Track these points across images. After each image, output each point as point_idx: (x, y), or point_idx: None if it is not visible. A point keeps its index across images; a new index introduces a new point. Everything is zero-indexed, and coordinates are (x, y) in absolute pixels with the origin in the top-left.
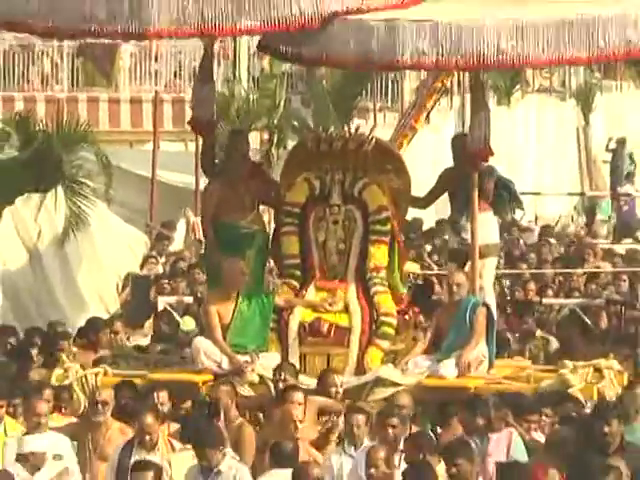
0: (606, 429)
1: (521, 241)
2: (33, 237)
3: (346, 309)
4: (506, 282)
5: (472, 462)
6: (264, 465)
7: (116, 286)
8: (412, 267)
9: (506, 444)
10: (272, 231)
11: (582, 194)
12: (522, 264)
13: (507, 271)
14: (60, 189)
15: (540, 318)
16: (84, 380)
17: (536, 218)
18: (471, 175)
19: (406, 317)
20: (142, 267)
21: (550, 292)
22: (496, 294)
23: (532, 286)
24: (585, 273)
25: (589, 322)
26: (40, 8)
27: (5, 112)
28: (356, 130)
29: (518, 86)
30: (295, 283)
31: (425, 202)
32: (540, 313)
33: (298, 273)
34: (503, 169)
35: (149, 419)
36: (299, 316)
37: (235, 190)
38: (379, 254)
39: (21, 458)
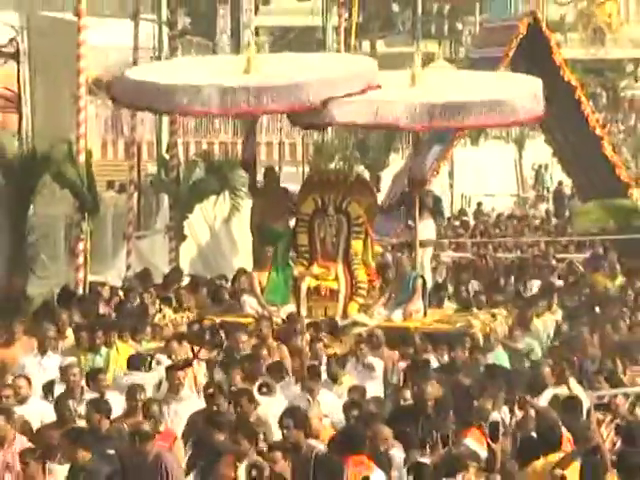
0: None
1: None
2: (212, 219)
3: (336, 279)
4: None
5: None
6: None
7: None
8: (377, 250)
9: None
10: (293, 230)
11: (518, 195)
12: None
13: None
14: (227, 193)
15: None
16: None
17: (493, 209)
18: (414, 196)
19: (374, 284)
20: None
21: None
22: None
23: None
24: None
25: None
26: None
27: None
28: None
29: (483, 135)
30: (305, 262)
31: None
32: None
33: (307, 256)
34: (474, 182)
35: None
36: (307, 282)
37: (271, 205)
38: (357, 245)
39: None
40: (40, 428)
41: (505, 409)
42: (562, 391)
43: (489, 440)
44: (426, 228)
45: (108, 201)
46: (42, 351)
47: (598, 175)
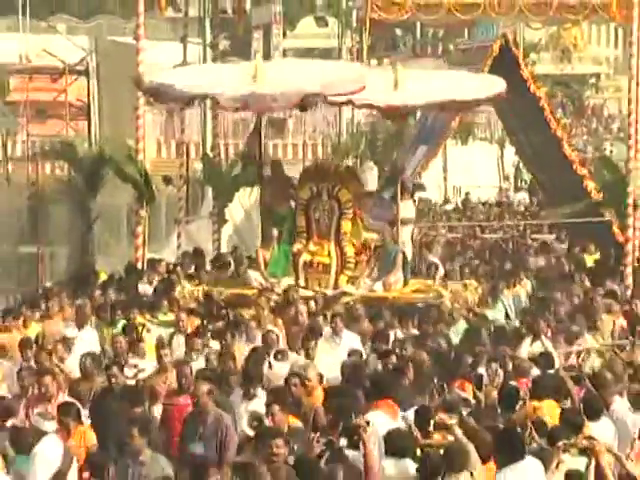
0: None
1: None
2: (247, 206)
3: (328, 254)
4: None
5: None
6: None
7: None
8: (370, 235)
9: None
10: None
11: (500, 187)
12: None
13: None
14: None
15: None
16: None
17: (479, 198)
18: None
19: (361, 258)
20: None
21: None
22: None
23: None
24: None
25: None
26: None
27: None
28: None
29: (471, 136)
30: (303, 240)
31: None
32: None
33: (305, 235)
34: (464, 176)
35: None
36: (304, 258)
37: (276, 192)
38: (346, 225)
39: None
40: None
41: (494, 365)
42: (536, 348)
43: (475, 390)
44: (406, 208)
45: (162, 192)
46: (79, 324)
47: (556, 170)
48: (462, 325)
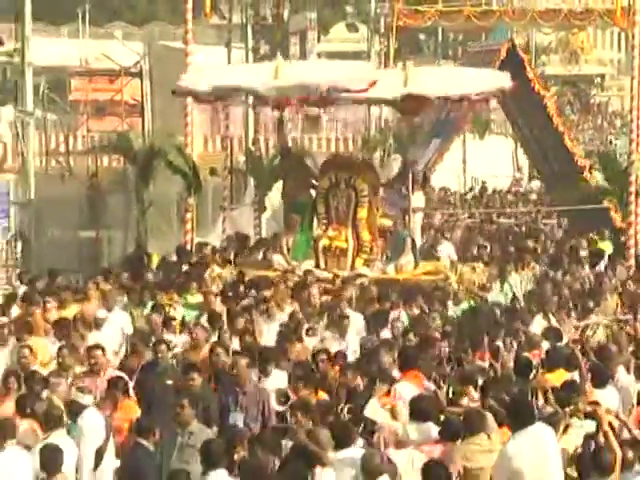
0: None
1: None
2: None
3: (345, 239)
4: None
5: None
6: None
7: None
8: (385, 221)
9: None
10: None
11: (514, 176)
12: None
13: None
14: None
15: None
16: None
17: (495, 187)
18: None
19: (374, 243)
20: None
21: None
22: None
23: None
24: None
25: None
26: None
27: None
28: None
29: (487, 131)
30: (323, 226)
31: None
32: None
33: (325, 221)
34: (481, 167)
35: None
36: (323, 242)
37: (298, 181)
38: (362, 212)
39: None
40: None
41: (509, 339)
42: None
43: (492, 360)
44: (417, 198)
45: (208, 182)
46: (107, 307)
47: (557, 161)
48: (466, 305)
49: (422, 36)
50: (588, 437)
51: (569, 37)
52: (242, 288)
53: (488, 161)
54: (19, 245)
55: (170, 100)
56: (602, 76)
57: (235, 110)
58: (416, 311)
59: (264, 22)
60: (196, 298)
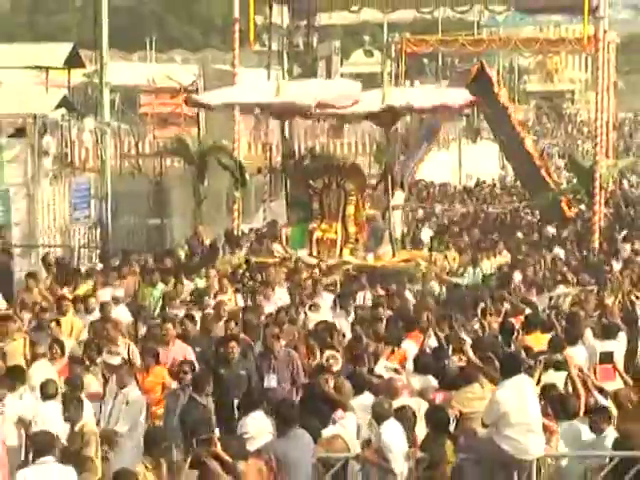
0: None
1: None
2: None
3: (335, 232)
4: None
5: None
6: None
7: None
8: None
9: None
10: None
11: (500, 174)
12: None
13: None
14: None
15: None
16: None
17: (484, 182)
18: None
19: (359, 235)
20: None
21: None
22: None
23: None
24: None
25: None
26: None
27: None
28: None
29: (479, 137)
30: (317, 220)
31: (374, 187)
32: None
33: (319, 216)
34: (474, 166)
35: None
36: (317, 234)
37: (298, 183)
38: (350, 209)
39: None
40: None
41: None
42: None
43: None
44: (397, 197)
45: (252, 179)
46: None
47: (521, 162)
48: (435, 286)
49: (426, 60)
50: (550, 388)
51: (546, 60)
52: (245, 272)
53: (479, 161)
54: (98, 231)
55: (221, 113)
56: (572, 92)
57: (273, 121)
58: (380, 291)
59: (297, 49)
60: (203, 281)
